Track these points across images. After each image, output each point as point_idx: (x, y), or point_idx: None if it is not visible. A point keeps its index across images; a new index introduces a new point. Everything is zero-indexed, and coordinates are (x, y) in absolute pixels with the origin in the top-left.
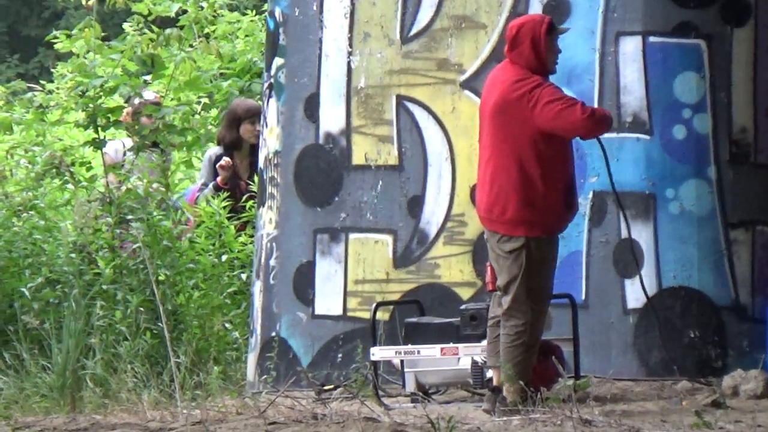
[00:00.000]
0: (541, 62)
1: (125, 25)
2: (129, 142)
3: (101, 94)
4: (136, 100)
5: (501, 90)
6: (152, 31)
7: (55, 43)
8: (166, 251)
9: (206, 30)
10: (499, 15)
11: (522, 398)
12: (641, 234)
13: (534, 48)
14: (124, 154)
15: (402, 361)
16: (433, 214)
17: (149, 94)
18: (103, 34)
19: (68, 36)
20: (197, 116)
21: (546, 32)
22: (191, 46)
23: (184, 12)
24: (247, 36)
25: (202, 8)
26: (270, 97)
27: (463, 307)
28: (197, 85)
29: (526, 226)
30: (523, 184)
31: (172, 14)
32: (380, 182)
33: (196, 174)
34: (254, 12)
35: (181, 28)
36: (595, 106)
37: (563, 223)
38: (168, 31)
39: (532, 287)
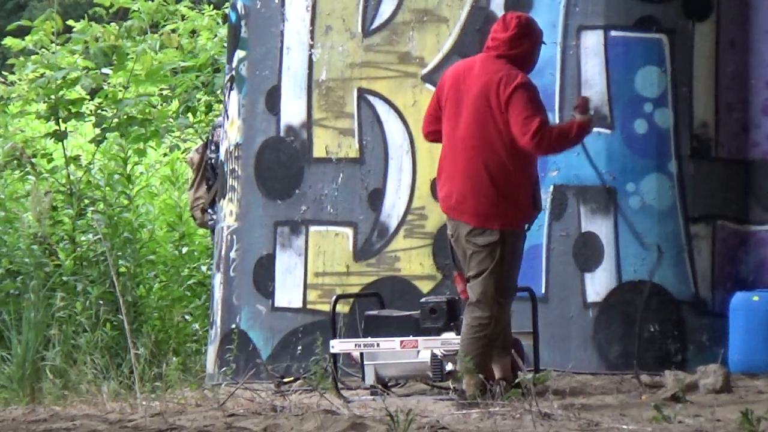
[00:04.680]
0: (528, 65)
1: (76, 23)
2: None
3: (63, 85)
4: None
5: (487, 82)
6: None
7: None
8: (127, 243)
9: (168, 25)
10: (460, 9)
11: (481, 391)
12: (601, 228)
13: (531, 51)
14: None
15: (361, 354)
16: (393, 208)
17: None
18: (67, 23)
19: (29, 28)
20: (157, 108)
21: (541, 42)
22: (150, 33)
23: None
24: (209, 30)
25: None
26: (231, 89)
27: (423, 300)
28: (157, 77)
29: (500, 219)
30: (500, 177)
31: (134, 6)
32: (341, 175)
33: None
34: (212, 7)
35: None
36: (557, 100)
37: (532, 217)
38: (129, 22)
39: (501, 281)
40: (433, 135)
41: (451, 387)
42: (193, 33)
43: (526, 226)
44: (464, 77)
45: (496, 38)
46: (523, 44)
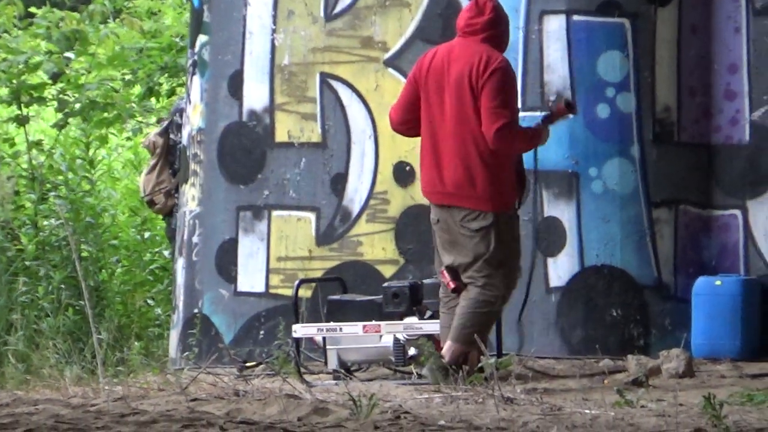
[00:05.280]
0: (505, 46)
1: (38, 10)
2: None
3: (25, 70)
4: None
5: (468, 63)
6: (73, 9)
7: None
8: (89, 227)
9: (128, 5)
10: None
11: (459, 364)
12: (564, 213)
13: (507, 33)
14: None
15: (324, 339)
16: (356, 192)
17: None
18: (29, 10)
19: None
20: (120, 93)
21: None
22: (116, 20)
23: None
24: (176, 10)
25: None
26: (194, 74)
27: (385, 284)
28: (120, 61)
29: (494, 201)
30: (490, 158)
31: None
32: (303, 160)
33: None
34: None
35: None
36: (519, 85)
37: (520, 198)
38: (91, 6)
39: (504, 264)
40: (408, 124)
41: (414, 371)
42: (154, 14)
43: (517, 204)
44: (444, 62)
45: (474, 23)
46: (500, 26)
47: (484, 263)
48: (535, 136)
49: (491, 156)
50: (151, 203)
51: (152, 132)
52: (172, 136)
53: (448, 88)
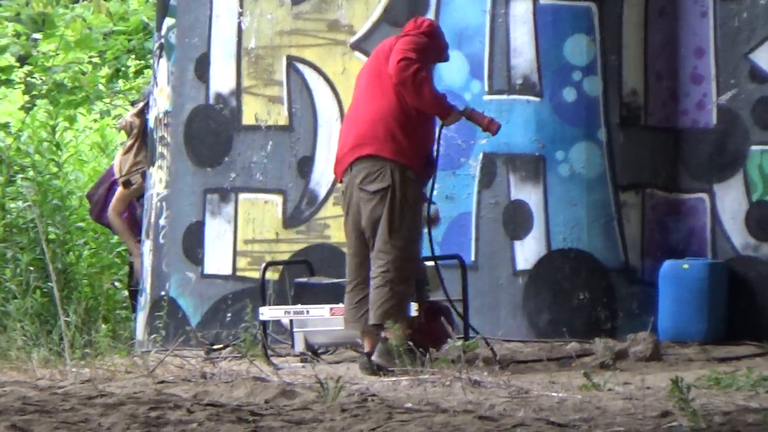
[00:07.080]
0: (438, 60)
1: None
2: None
3: None
4: None
5: (390, 41)
6: None
7: None
8: (56, 210)
9: None
10: None
11: (402, 342)
12: (531, 196)
13: (440, 49)
14: None
15: (291, 321)
16: (322, 175)
17: None
18: None
19: None
20: (87, 75)
21: None
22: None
23: None
24: None
25: None
26: (161, 57)
27: None
28: (88, 44)
29: (398, 150)
30: (406, 122)
31: None
32: (270, 143)
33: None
34: None
35: None
36: (486, 68)
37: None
38: None
39: (410, 228)
40: None
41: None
42: None
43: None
44: (377, 51)
45: (407, 30)
46: (431, 37)
47: (386, 230)
48: (444, 104)
49: (408, 119)
50: (127, 183)
51: (128, 113)
52: (148, 117)
53: (368, 66)
